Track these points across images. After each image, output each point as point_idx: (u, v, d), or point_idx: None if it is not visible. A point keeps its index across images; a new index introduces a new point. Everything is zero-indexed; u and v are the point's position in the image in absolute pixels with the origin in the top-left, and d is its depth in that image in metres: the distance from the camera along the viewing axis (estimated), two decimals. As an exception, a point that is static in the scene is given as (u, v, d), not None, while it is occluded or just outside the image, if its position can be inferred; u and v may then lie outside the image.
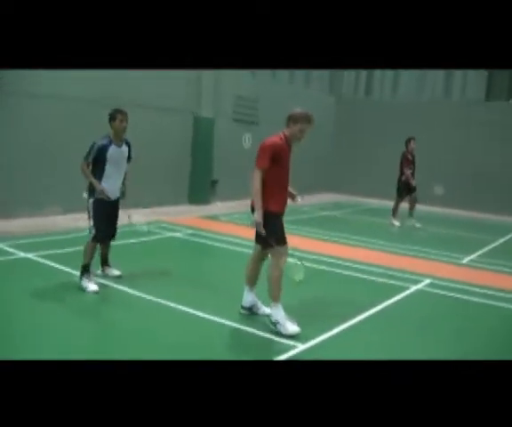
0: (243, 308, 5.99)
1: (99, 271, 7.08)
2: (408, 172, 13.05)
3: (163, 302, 6.31)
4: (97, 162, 6.52)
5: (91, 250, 6.61)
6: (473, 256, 10.19)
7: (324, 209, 15.85)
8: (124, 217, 7.17)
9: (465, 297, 7.43)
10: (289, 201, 5.91)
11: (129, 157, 6.99)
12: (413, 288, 7.66)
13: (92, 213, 6.59)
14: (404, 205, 13.34)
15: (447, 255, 10.07)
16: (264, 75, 17.34)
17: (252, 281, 5.92)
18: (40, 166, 11.17)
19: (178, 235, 10.48)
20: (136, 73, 12.63)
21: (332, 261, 8.87)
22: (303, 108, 5.82)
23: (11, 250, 8.19)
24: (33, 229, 9.88)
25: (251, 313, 5.93)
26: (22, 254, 8.01)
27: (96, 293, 6.36)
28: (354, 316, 6.21)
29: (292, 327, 5.45)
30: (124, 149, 6.84)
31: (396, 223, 13.22)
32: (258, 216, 5.41)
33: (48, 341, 5.06)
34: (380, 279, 8.03)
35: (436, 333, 6.06)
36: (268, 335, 5.47)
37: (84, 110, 11.78)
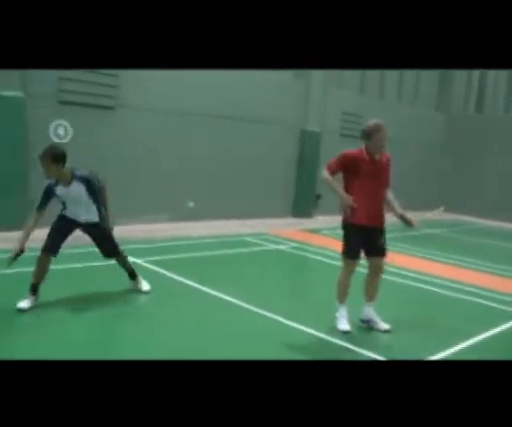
0: (361, 320, 6.22)
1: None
2: None
3: (255, 309, 6.50)
4: (49, 199, 5.99)
5: (37, 263, 5.97)
6: None
7: (429, 227, 15.50)
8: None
9: None
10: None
11: (93, 193, 6.10)
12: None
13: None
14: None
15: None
16: (371, 92, 17.27)
17: (366, 295, 6.16)
18: (147, 176, 11.77)
19: (281, 247, 10.64)
20: (241, 85, 13.01)
21: (437, 281, 8.68)
22: (376, 119, 5.93)
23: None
24: (140, 236, 10.40)
25: (368, 326, 6.14)
26: (131, 259, 8.40)
27: (21, 310, 5.76)
28: (458, 341, 6.03)
29: (344, 326, 5.90)
30: (76, 187, 5.97)
31: None
32: (344, 196, 5.71)
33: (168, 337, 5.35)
34: (490, 303, 7.78)
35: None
36: (351, 347, 5.56)
37: (196, 124, 12.32)
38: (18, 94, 9.63)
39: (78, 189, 5.97)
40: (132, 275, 6.88)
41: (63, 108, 10.37)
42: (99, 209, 6.20)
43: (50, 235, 6.06)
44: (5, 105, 9.51)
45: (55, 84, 10.21)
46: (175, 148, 12.09)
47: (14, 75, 9.48)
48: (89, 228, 6.30)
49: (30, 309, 5.85)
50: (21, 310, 5.78)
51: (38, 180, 8.56)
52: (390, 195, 6.02)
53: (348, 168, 5.74)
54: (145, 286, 6.90)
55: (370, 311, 6.14)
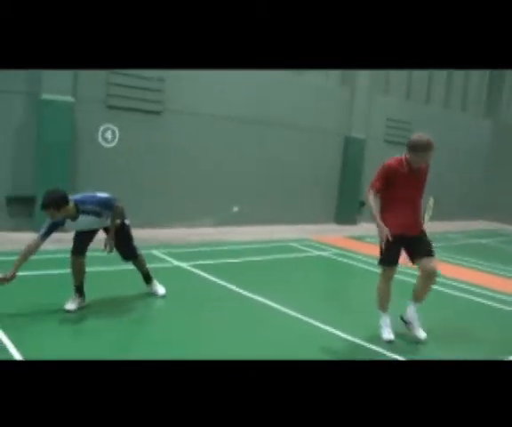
0: (401, 318, 6.09)
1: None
2: None
3: (298, 315, 6.50)
4: (56, 229, 5.81)
5: (71, 266, 6.04)
6: None
7: (475, 236, 15.25)
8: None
9: None
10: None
11: (99, 214, 5.96)
12: None
13: None
14: None
15: None
16: (417, 97, 17.06)
17: (414, 294, 5.96)
18: (192, 180, 11.92)
19: (324, 254, 10.61)
20: (285, 91, 13.07)
21: (478, 290, 8.56)
22: (427, 134, 5.73)
23: (166, 257, 8.78)
24: (184, 240, 10.52)
25: (407, 327, 6.02)
26: (176, 262, 8.56)
27: (68, 311, 5.88)
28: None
29: (387, 335, 5.84)
30: (84, 221, 5.89)
31: None
32: (381, 228, 5.54)
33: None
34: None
35: None
36: (392, 355, 5.47)
37: (240, 129, 12.39)
38: (68, 99, 9.86)
39: (87, 219, 5.88)
40: (148, 278, 6.82)
41: (111, 113, 10.59)
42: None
43: (76, 238, 6.08)
44: (56, 109, 9.75)
45: (104, 89, 10.42)
46: (220, 152, 12.19)
47: (65, 79, 9.71)
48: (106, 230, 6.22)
49: (78, 309, 5.99)
50: (69, 312, 5.89)
51: (84, 184, 8.80)
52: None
53: (389, 180, 5.65)
54: (160, 289, 6.84)
55: (413, 313, 5.95)
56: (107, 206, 5.97)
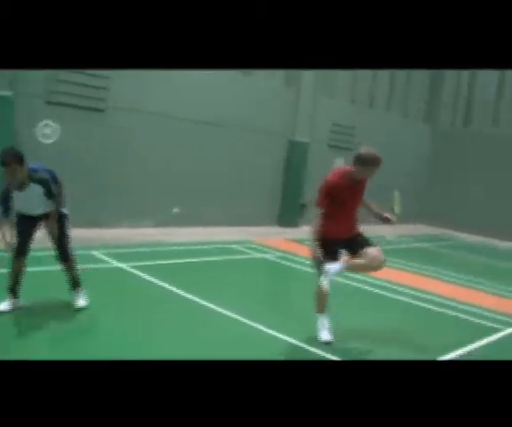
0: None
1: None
2: None
3: (236, 316, 6.49)
4: (9, 201, 5.70)
5: (11, 266, 5.82)
6: None
7: (415, 240, 15.55)
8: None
9: None
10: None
11: (50, 195, 5.75)
12: (507, 331, 7.34)
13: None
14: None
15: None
16: (361, 102, 17.29)
17: (351, 263, 5.81)
18: (134, 180, 11.75)
19: (266, 256, 10.60)
20: (231, 91, 13.06)
21: (418, 294, 8.69)
22: (373, 147, 5.66)
23: (105, 258, 8.61)
24: (125, 240, 10.35)
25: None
26: (115, 264, 8.40)
27: (1, 312, 5.69)
28: (438, 355, 5.97)
29: (325, 336, 5.82)
30: (33, 191, 5.65)
31: None
32: (315, 251, 5.56)
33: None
34: (471, 318, 7.77)
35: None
36: (331, 357, 5.49)
37: (177, 128, 12.26)
38: (7, 93, 9.53)
39: (35, 191, 5.63)
40: (75, 284, 6.24)
41: (51, 108, 10.29)
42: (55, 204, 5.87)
43: (18, 236, 5.81)
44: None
45: (44, 85, 10.13)
46: (163, 152, 12.05)
47: (3, 74, 9.39)
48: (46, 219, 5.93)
49: (13, 310, 5.78)
50: (1, 312, 5.67)
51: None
52: (366, 199, 5.97)
53: (332, 196, 5.57)
54: (81, 301, 6.24)
55: (338, 269, 5.62)
56: (53, 178, 5.80)
